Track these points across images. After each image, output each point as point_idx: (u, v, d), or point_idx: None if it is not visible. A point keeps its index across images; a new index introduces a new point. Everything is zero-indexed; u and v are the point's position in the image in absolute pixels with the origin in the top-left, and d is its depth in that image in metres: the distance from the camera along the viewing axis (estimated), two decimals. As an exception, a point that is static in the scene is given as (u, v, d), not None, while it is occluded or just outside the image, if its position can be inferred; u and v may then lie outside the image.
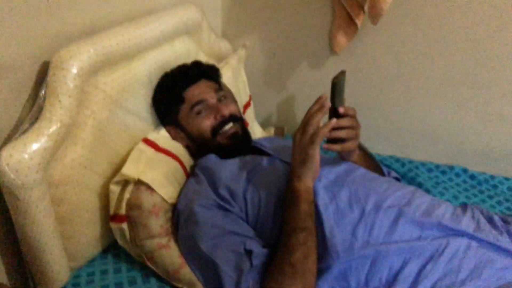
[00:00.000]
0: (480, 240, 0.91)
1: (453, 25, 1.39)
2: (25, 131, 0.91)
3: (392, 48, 1.49)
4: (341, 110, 0.97)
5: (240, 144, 1.19)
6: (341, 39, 1.49)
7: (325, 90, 1.61)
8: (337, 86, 0.96)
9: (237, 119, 1.21)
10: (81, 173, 1.02)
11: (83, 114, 1.01)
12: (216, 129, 1.17)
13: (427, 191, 1.40)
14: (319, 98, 0.94)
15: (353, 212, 0.95)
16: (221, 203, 1.03)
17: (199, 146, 1.21)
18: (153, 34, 1.19)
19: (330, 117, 0.98)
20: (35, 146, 0.88)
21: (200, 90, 1.20)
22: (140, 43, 1.14)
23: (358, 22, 1.42)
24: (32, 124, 0.92)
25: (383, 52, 1.51)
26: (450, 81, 1.46)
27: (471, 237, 0.92)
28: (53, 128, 0.92)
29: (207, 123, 1.17)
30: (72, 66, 0.95)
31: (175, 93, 1.19)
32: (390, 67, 1.52)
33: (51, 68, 0.94)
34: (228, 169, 1.10)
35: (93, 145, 1.04)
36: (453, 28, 1.39)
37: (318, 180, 0.99)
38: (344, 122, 0.98)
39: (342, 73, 0.97)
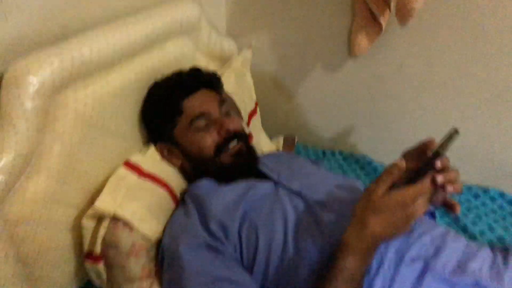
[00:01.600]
0: (528, 308, 0.76)
1: (496, 28, 1.20)
2: (-29, 164, 0.76)
3: (421, 52, 1.33)
4: (438, 164, 0.72)
5: (244, 163, 1.05)
6: (362, 40, 1.32)
7: (342, 96, 1.49)
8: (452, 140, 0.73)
9: (242, 136, 1.07)
10: (47, 207, 0.87)
11: (48, 139, 0.86)
12: (220, 147, 1.02)
13: (457, 219, 1.24)
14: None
15: (369, 262, 0.80)
16: (211, 242, 0.88)
17: (196, 166, 1.07)
18: (138, 38, 1.01)
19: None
20: (-19, 183, 0.74)
21: (202, 101, 1.04)
22: (121, 49, 0.97)
23: (383, 22, 1.25)
24: (-21, 155, 0.77)
25: (411, 57, 1.35)
26: (491, 93, 1.29)
27: (517, 301, 0.77)
28: (6, 160, 0.77)
29: (209, 139, 1.02)
30: (30, 83, 0.78)
31: (172, 103, 1.04)
32: (418, 74, 1.36)
33: (3, 86, 0.79)
34: (222, 199, 0.95)
35: (61, 174, 0.88)
36: (496, 31, 1.21)
37: None
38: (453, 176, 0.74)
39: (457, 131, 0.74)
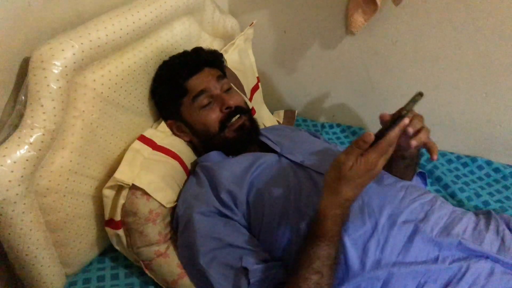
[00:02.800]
0: (505, 263, 0.83)
1: (485, 7, 1.25)
2: (4, 141, 0.83)
3: (414, 30, 1.37)
4: (406, 121, 0.79)
5: (247, 136, 1.11)
6: (358, 18, 1.36)
7: (339, 71, 1.54)
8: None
9: (244, 111, 1.12)
10: (72, 179, 0.95)
11: (70, 116, 0.93)
12: (224, 123, 1.08)
13: (446, 187, 1.33)
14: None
15: (365, 225, 0.88)
16: (222, 210, 0.96)
17: (203, 141, 1.13)
18: (148, 20, 1.06)
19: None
20: (15, 157, 0.82)
21: (202, 79, 1.10)
22: (133, 31, 1.03)
23: (378, 1, 1.28)
24: (12, 132, 0.84)
25: (405, 34, 1.39)
26: (479, 67, 1.34)
27: (495, 259, 0.84)
28: (36, 136, 0.84)
29: (213, 116, 1.08)
30: (55, 65, 0.85)
31: (177, 84, 1.09)
32: (411, 50, 1.41)
33: (30, 69, 0.85)
34: (231, 171, 1.02)
35: (83, 148, 0.96)
36: (484, 10, 1.25)
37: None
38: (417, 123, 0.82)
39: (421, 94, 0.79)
